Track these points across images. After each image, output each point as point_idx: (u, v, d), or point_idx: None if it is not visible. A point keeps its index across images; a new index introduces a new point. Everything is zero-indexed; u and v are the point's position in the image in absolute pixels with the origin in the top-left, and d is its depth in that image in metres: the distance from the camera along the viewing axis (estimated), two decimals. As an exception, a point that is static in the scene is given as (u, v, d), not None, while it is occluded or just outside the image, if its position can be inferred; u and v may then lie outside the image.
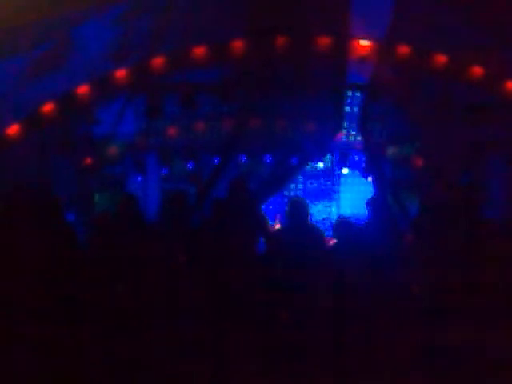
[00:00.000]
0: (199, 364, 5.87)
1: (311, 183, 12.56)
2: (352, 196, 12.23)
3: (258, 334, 6.04)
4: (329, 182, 12.60)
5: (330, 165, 12.51)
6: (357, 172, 11.93)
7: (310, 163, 12.00)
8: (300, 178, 12.43)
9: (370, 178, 11.30)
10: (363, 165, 11.55)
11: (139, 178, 11.25)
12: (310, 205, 8.78)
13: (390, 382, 5.83)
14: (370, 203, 7.75)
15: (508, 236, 6.65)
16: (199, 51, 9.53)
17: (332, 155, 12.29)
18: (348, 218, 8.27)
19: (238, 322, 6.05)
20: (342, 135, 11.62)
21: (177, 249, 6.66)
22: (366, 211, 7.76)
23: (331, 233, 10.75)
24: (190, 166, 11.55)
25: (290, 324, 6.17)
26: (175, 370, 5.79)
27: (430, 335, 6.06)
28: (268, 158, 11.54)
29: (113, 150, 11.02)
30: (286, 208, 7.62)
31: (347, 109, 11.32)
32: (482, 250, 6.43)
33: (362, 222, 8.19)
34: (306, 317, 6.19)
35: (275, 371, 5.87)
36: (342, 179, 12.50)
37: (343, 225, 7.70)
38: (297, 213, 7.23)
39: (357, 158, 11.76)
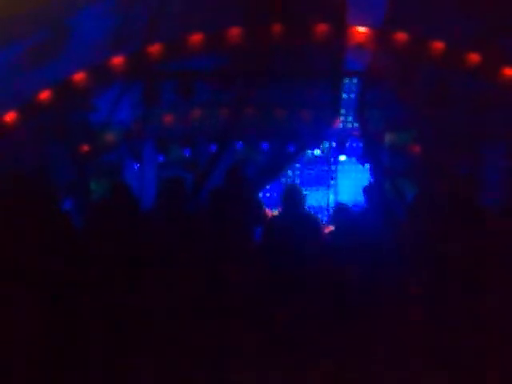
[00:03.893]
0: (197, 362, 5.86)
1: (308, 170, 12.54)
2: (349, 183, 12.21)
3: (256, 326, 6.02)
4: (326, 169, 12.58)
5: (327, 152, 12.49)
6: (354, 159, 11.92)
7: (307, 150, 11.99)
8: (297, 165, 12.42)
9: (367, 165, 11.31)
10: (360, 152, 11.55)
11: (136, 166, 11.24)
12: (307, 192, 8.76)
13: (390, 372, 5.83)
14: (367, 190, 7.75)
15: (505, 225, 6.63)
16: (196, 39, 9.53)
17: (329, 142, 12.27)
18: (346, 204, 8.27)
19: (235, 314, 6.03)
20: (339, 122, 11.60)
21: (174, 236, 6.64)
22: (363, 198, 7.76)
23: (328, 220, 10.79)
24: (186, 153, 11.56)
25: (287, 315, 6.15)
26: (174, 370, 5.79)
27: (429, 324, 6.07)
28: (265, 146, 11.53)
29: (109, 137, 11.02)
30: (281, 195, 7.60)
31: (344, 96, 11.30)
32: (479, 239, 6.42)
33: (360, 209, 8.19)
34: (304, 306, 6.18)
35: (272, 364, 5.85)
36: (340, 166, 12.48)
37: (341, 211, 7.70)
38: (292, 200, 7.21)
39: (354, 145, 11.76)
